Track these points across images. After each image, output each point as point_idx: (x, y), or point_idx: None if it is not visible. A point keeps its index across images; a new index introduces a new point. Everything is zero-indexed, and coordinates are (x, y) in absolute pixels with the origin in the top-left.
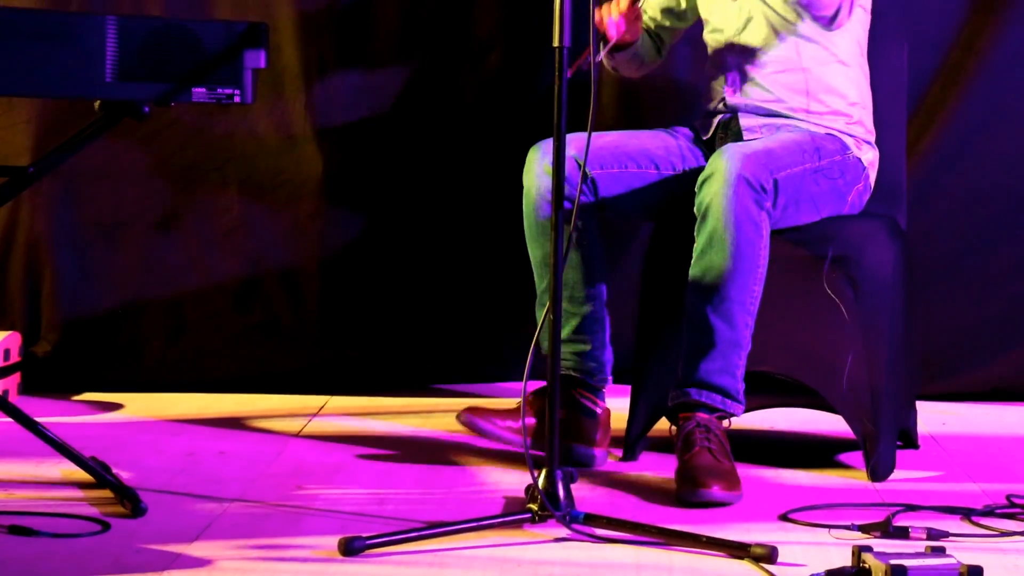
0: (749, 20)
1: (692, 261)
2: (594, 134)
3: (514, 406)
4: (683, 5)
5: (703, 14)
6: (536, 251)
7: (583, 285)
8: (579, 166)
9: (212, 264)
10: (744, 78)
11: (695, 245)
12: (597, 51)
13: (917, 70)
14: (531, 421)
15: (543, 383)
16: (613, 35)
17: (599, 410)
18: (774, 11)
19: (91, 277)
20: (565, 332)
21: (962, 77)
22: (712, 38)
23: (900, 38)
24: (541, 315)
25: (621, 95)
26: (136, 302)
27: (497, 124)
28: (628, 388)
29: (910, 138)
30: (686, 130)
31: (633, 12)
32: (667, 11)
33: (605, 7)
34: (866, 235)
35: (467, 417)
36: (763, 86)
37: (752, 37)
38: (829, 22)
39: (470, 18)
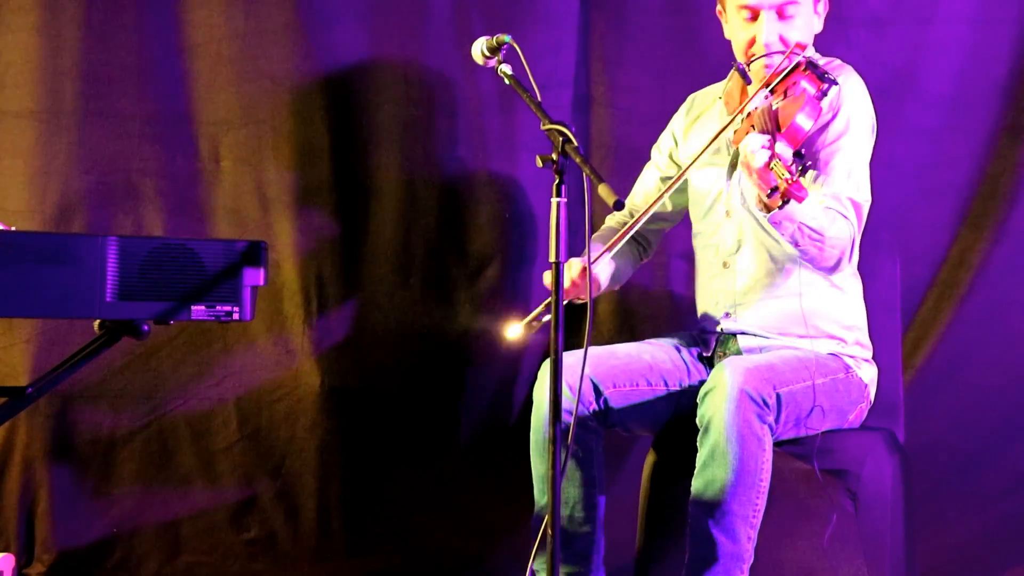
0: (743, 242)
1: (694, 474)
2: (607, 349)
3: None
4: (668, 207)
5: (693, 220)
6: (540, 465)
7: (583, 506)
8: (591, 385)
9: (209, 480)
10: (738, 304)
11: (697, 457)
12: (542, 316)
13: (910, 284)
14: None
15: None
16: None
17: None
18: (770, 235)
19: (87, 496)
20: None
21: (955, 291)
22: (704, 252)
23: (892, 253)
24: (540, 530)
25: (618, 309)
26: (131, 521)
27: (493, 339)
28: None
29: (905, 352)
30: (685, 341)
31: (583, 279)
32: (652, 216)
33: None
34: (865, 449)
35: None
36: (758, 313)
37: (747, 260)
38: (831, 271)
39: (466, 235)
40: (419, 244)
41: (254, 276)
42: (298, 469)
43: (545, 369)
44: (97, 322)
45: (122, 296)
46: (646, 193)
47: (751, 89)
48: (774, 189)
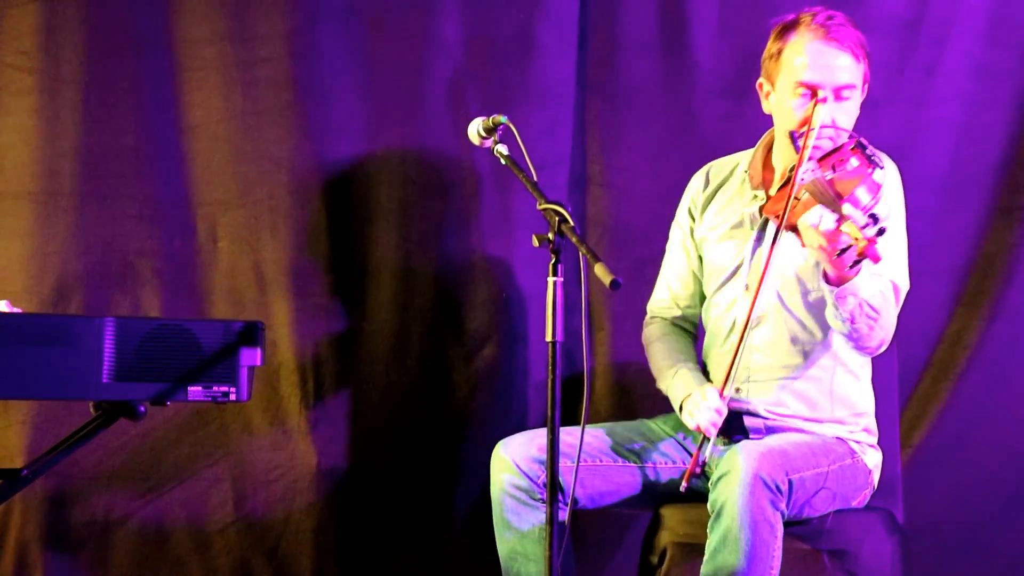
0: (763, 319)
1: (704, 559)
2: (566, 429)
3: None
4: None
5: (708, 292)
6: (502, 545)
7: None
8: (543, 465)
9: (204, 562)
10: (751, 381)
11: (707, 542)
12: (703, 455)
13: (907, 363)
14: None
15: None
16: (713, 433)
17: None
18: (793, 316)
19: None
20: None
21: (952, 370)
22: (718, 325)
23: None
24: None
25: (615, 386)
26: None
27: (490, 418)
28: None
29: (903, 431)
30: (671, 424)
31: (724, 401)
32: (693, 296)
33: (697, 414)
34: (864, 529)
35: None
36: (770, 391)
37: (764, 338)
38: (872, 352)
39: (463, 314)
40: (416, 324)
41: (251, 356)
42: (294, 550)
43: (498, 451)
44: (93, 403)
45: (119, 377)
46: (681, 279)
47: (779, 160)
48: (844, 250)
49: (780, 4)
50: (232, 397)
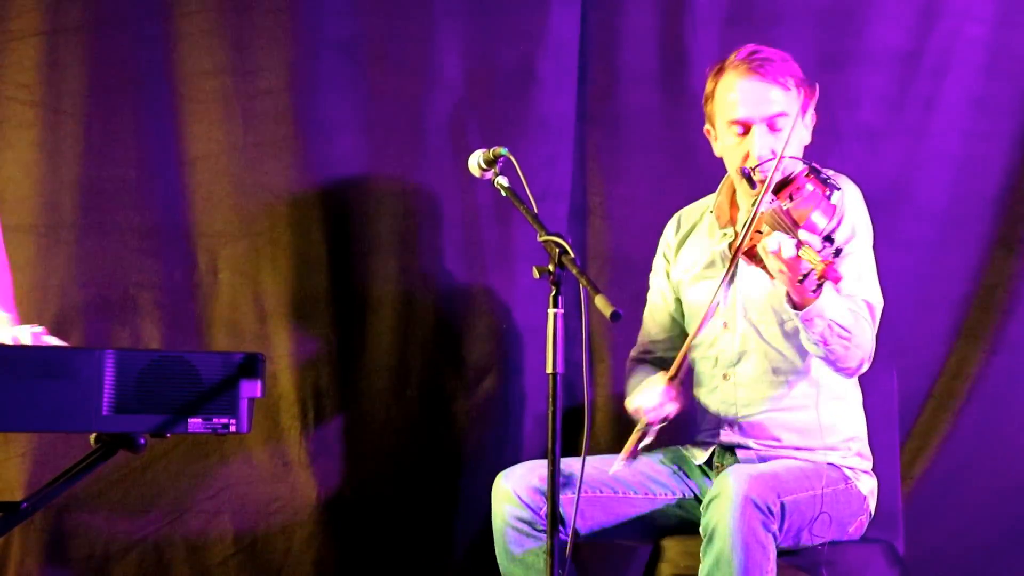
0: (744, 354)
1: None
2: (568, 460)
3: None
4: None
5: (689, 330)
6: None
7: None
8: (544, 496)
9: None
10: (739, 415)
11: (700, 567)
12: (640, 442)
13: (908, 395)
14: None
15: None
16: (656, 422)
17: None
18: (772, 347)
19: None
20: None
21: (953, 402)
22: (702, 364)
23: (889, 364)
24: None
25: (616, 417)
26: None
27: (490, 450)
28: None
29: (904, 463)
30: (670, 456)
31: (674, 390)
32: (672, 339)
33: (637, 397)
34: (865, 561)
35: None
36: (759, 424)
37: (748, 372)
38: (852, 373)
39: (463, 346)
40: (416, 355)
41: (251, 388)
42: None
43: (499, 482)
44: (93, 435)
45: (119, 409)
46: (659, 323)
47: (743, 197)
48: (806, 276)
49: (777, 36)
50: (232, 429)
